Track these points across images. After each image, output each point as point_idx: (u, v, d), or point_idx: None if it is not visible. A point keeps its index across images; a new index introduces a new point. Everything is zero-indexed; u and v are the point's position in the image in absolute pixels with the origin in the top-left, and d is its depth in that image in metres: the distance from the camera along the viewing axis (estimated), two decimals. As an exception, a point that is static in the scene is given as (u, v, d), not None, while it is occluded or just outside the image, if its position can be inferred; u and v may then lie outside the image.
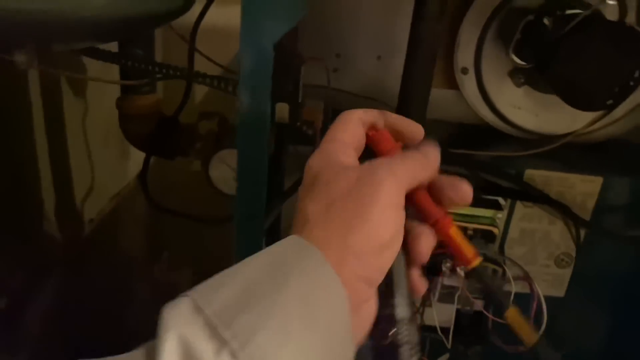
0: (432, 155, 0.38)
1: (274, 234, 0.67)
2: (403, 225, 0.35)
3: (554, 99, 0.68)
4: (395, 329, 0.36)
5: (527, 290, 0.62)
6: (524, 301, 0.57)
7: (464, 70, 0.74)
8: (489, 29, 0.71)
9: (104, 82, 0.75)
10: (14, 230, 0.89)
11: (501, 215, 0.62)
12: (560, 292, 0.77)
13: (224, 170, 0.72)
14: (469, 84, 0.75)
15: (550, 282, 0.76)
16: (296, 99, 0.47)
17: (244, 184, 0.47)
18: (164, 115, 0.79)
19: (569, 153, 0.73)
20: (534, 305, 0.55)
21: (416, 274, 0.39)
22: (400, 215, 0.35)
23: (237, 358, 0.27)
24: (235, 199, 0.48)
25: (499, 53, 0.71)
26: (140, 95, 0.75)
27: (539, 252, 0.75)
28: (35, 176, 0.96)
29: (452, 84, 0.77)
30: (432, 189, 0.38)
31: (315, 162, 0.37)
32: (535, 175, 0.70)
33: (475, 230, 0.61)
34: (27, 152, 0.95)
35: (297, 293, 0.31)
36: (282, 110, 0.48)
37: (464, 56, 0.73)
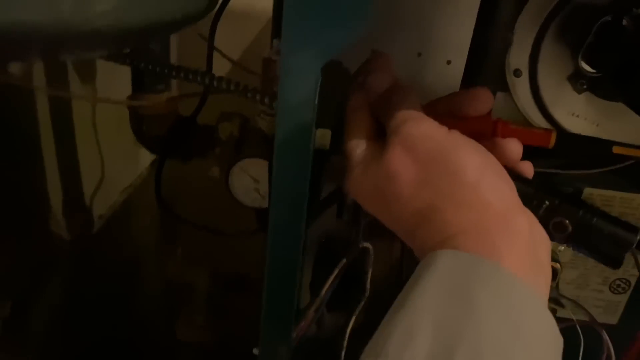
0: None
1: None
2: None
3: (619, 107, 0.61)
4: None
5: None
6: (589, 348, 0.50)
7: (517, 72, 0.66)
8: (549, 28, 0.62)
9: (113, 103, 0.68)
10: (16, 231, 0.83)
11: (562, 248, 0.54)
12: (613, 319, 0.70)
13: (245, 181, 0.65)
14: (521, 87, 0.67)
15: (603, 308, 0.69)
16: (342, 125, 0.40)
17: (278, 222, 0.40)
18: (180, 115, 0.72)
19: (633, 170, 0.65)
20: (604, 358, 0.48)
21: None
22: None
23: None
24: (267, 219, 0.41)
25: (559, 55, 0.63)
26: (154, 94, 0.68)
27: (592, 277, 0.68)
28: (40, 171, 0.90)
29: (502, 85, 0.69)
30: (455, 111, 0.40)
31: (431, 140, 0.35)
32: (595, 195, 0.63)
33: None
34: (30, 144, 0.88)
35: (495, 319, 0.27)
36: (323, 136, 0.40)
37: (518, 57, 0.65)
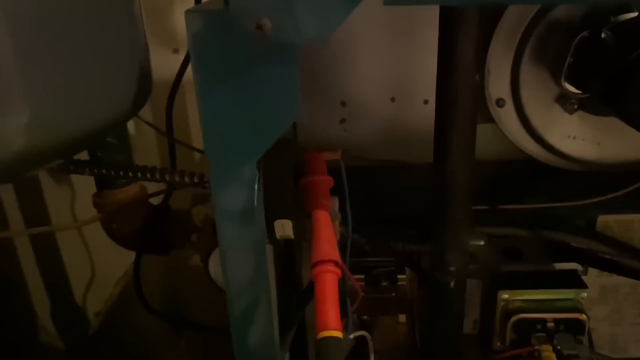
0: None
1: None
2: None
3: (619, 121, 0.55)
4: None
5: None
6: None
7: (500, 102, 0.61)
8: (524, 50, 0.57)
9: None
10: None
11: (586, 295, 0.48)
12: (659, 352, 0.63)
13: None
14: (507, 116, 0.62)
15: (646, 342, 0.62)
16: (299, 211, 0.34)
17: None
18: (150, 204, 0.67)
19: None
20: None
21: None
22: None
23: None
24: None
25: (541, 78, 0.58)
26: (119, 190, 0.63)
27: (626, 310, 0.61)
28: (21, 284, 0.85)
29: (486, 117, 0.63)
30: None
31: None
32: (612, 222, 0.56)
33: (556, 321, 0.46)
34: (7, 258, 0.83)
35: None
36: (284, 227, 0.35)
37: (498, 86, 0.60)
